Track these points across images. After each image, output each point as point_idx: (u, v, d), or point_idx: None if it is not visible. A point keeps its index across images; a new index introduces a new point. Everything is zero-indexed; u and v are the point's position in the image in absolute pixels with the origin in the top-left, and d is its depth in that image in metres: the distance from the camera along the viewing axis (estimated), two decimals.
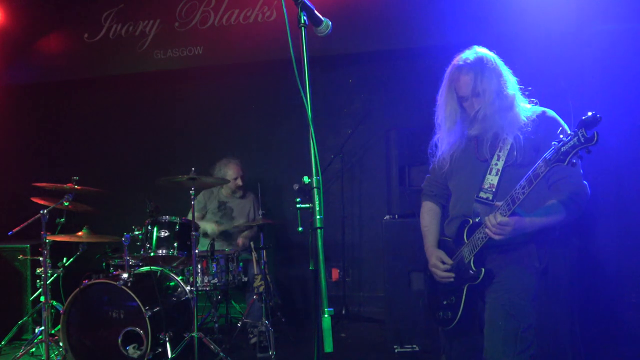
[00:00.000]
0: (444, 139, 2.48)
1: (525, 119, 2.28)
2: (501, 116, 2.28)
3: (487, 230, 2.15)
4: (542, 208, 2.21)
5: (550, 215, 2.20)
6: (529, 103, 2.38)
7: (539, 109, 2.34)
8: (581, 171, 2.22)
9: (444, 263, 2.43)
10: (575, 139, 1.86)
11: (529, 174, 2.05)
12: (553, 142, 1.95)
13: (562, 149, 1.90)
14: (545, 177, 2.07)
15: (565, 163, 1.90)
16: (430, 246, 2.57)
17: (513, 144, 2.27)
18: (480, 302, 2.33)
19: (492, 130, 2.32)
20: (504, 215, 2.11)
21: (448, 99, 2.40)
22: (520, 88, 2.37)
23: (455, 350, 2.54)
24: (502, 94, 2.29)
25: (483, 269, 2.25)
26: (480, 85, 2.28)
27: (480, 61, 2.32)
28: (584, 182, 2.24)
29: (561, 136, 1.92)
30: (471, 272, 2.27)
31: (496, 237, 2.14)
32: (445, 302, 2.42)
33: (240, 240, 4.83)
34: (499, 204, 2.16)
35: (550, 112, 2.33)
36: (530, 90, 2.41)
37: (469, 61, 2.33)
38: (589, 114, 1.82)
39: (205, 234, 4.83)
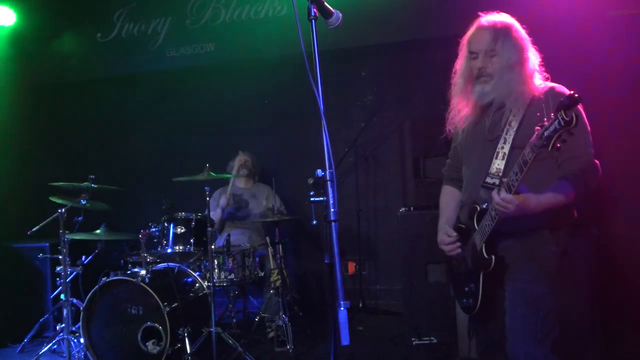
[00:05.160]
0: (456, 108, 2.42)
1: (536, 96, 2.21)
2: (514, 89, 2.20)
3: (495, 206, 2.08)
4: (550, 188, 2.14)
5: (557, 195, 2.12)
6: (542, 81, 2.30)
7: (548, 85, 2.26)
8: (592, 150, 2.15)
9: (449, 236, 2.42)
10: (556, 122, 1.80)
11: (519, 160, 2.00)
12: (536, 127, 1.89)
13: (545, 134, 1.84)
14: (553, 157, 2.05)
15: (550, 148, 1.84)
16: (440, 224, 2.54)
17: (520, 123, 2.21)
18: (499, 288, 2.30)
19: (501, 100, 2.25)
20: None
21: (462, 60, 2.35)
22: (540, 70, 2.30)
23: (483, 335, 2.52)
24: (521, 66, 2.22)
25: (493, 257, 2.21)
26: (499, 47, 2.21)
27: (507, 27, 2.25)
28: (594, 160, 2.16)
29: (544, 120, 1.86)
30: (483, 259, 2.24)
31: (502, 214, 2.08)
32: (466, 289, 2.40)
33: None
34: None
35: (560, 88, 2.25)
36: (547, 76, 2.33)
37: (496, 21, 2.27)
38: (570, 92, 1.78)
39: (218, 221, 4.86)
